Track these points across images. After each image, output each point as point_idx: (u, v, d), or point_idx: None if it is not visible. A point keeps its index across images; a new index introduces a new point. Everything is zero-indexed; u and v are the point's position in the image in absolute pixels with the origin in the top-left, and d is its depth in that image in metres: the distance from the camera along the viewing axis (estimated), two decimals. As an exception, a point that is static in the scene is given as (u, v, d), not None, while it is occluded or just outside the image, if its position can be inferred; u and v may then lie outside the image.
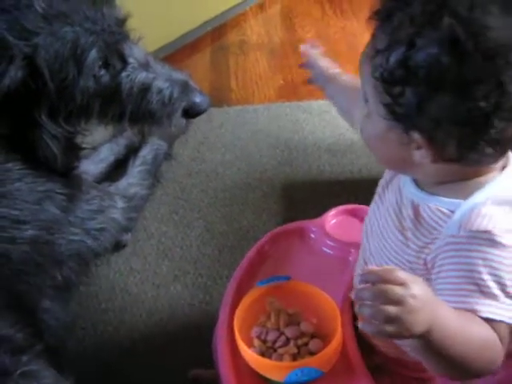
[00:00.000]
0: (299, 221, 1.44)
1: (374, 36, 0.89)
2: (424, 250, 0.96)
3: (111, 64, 1.38)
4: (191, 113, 1.52)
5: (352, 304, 1.04)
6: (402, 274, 0.77)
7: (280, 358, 1.09)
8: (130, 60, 1.42)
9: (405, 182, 1.02)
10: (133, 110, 1.45)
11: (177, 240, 1.89)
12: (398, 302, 0.75)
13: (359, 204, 1.42)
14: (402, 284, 0.76)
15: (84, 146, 1.58)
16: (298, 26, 2.81)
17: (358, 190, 1.88)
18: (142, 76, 1.44)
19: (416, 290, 0.76)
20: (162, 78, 1.46)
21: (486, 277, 0.86)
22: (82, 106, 1.38)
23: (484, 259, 0.86)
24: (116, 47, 1.39)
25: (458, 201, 0.92)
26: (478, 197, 0.91)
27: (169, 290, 1.75)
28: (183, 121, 1.53)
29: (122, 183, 1.87)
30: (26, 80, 1.27)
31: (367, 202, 1.17)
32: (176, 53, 2.67)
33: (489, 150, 0.84)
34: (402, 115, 0.86)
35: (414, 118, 0.85)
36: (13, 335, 1.18)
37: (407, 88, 0.83)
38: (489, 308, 0.86)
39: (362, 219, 1.23)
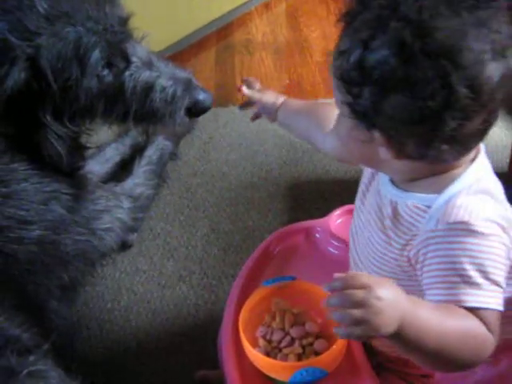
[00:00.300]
0: (304, 221, 1.44)
1: (339, 38, 0.92)
2: (406, 247, 0.98)
3: (114, 63, 1.38)
4: (195, 110, 1.52)
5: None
6: (364, 278, 0.81)
7: (285, 357, 1.09)
8: (134, 59, 1.42)
9: (383, 183, 1.05)
10: (137, 108, 1.45)
11: (182, 240, 1.89)
12: (361, 304, 0.79)
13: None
14: (364, 287, 0.80)
15: (89, 145, 1.58)
16: (303, 26, 2.81)
17: (363, 190, 1.88)
18: (145, 75, 1.43)
19: (380, 291, 0.80)
20: (166, 77, 1.46)
21: (468, 267, 0.88)
22: (86, 105, 1.37)
23: (463, 249, 0.89)
24: (119, 46, 1.38)
25: (433, 196, 0.95)
26: (452, 189, 0.94)
27: (174, 289, 1.76)
28: (187, 119, 1.52)
29: (128, 183, 1.87)
30: (29, 81, 1.27)
31: (372, 201, 1.17)
32: (182, 52, 2.67)
33: (445, 147, 0.87)
34: (362, 114, 0.89)
35: (372, 117, 0.88)
36: (20, 335, 1.18)
37: (364, 88, 0.86)
38: (474, 297, 0.88)
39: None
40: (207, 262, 1.83)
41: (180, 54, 2.65)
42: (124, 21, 1.41)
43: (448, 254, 0.90)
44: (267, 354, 1.10)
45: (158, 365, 1.58)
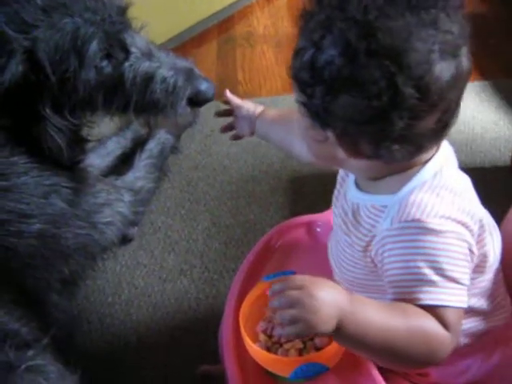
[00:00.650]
0: (306, 214, 1.43)
1: (297, 37, 0.92)
2: (368, 248, 1.00)
3: (113, 54, 1.37)
4: (197, 101, 1.50)
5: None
6: (298, 279, 0.86)
7: (286, 353, 1.08)
8: (133, 49, 1.41)
9: (349, 187, 1.07)
10: (137, 99, 1.44)
11: (183, 233, 1.89)
12: (296, 304, 0.84)
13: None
14: (299, 288, 0.84)
15: (90, 138, 1.57)
16: (305, 18, 2.79)
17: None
18: (145, 65, 1.42)
19: (314, 291, 0.84)
20: (166, 67, 1.45)
21: (421, 264, 0.89)
22: (85, 97, 1.37)
23: (417, 247, 0.89)
24: (117, 37, 1.37)
25: (390, 195, 0.96)
26: (407, 188, 0.94)
27: (175, 283, 1.76)
28: (189, 109, 1.51)
29: (129, 177, 1.87)
30: (27, 74, 1.26)
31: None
32: (183, 45, 2.66)
33: (396, 147, 0.87)
34: (315, 114, 0.90)
35: (324, 116, 0.88)
36: (19, 329, 1.18)
37: (316, 88, 0.87)
38: (428, 295, 0.88)
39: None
40: (208, 256, 1.82)
41: (181, 46, 2.65)
42: (122, 10, 1.40)
43: (402, 252, 0.91)
44: (268, 349, 1.09)
45: (159, 359, 1.58)
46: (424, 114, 0.84)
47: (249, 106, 1.37)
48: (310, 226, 1.38)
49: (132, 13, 1.43)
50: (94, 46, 1.30)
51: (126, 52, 1.40)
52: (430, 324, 0.87)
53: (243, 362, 1.12)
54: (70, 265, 1.49)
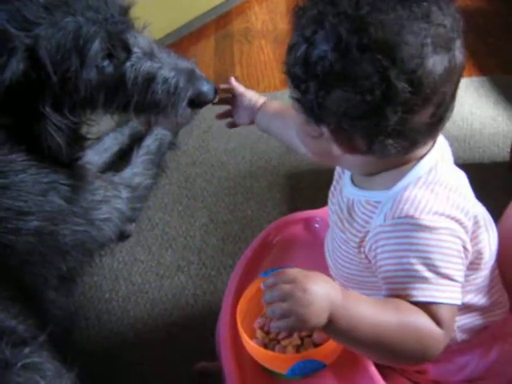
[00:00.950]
0: (304, 210, 1.43)
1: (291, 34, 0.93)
2: (362, 244, 1.00)
3: (115, 54, 1.36)
4: (198, 102, 1.49)
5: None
6: (292, 273, 0.86)
7: (283, 349, 1.08)
8: (135, 49, 1.40)
9: (344, 183, 1.07)
10: (138, 100, 1.43)
11: (181, 230, 1.89)
12: (287, 297, 0.83)
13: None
14: (292, 281, 0.84)
15: (89, 136, 1.57)
16: (303, 14, 2.79)
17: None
18: (146, 65, 1.42)
19: (306, 285, 0.83)
20: (168, 67, 1.44)
21: (414, 261, 0.89)
22: (86, 96, 1.36)
23: (410, 244, 0.89)
24: (120, 37, 1.36)
25: (384, 191, 0.96)
26: (401, 184, 0.94)
27: (173, 280, 1.76)
28: (189, 110, 1.50)
29: (126, 173, 1.87)
30: (28, 72, 1.26)
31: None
32: (180, 41, 2.66)
33: (390, 142, 0.87)
34: (310, 109, 0.90)
35: (318, 112, 0.88)
36: (15, 326, 1.17)
37: (310, 83, 0.87)
38: (421, 292, 0.88)
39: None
40: (206, 252, 1.82)
41: (179, 42, 2.65)
42: (125, 10, 1.39)
43: (395, 248, 0.91)
44: (265, 346, 1.09)
45: (156, 355, 1.58)
46: (418, 108, 0.85)
47: (251, 95, 1.37)
48: (307, 222, 1.38)
49: (132, 10, 1.42)
50: (95, 45, 1.30)
51: (128, 52, 1.39)
52: (423, 320, 0.87)
53: (240, 359, 1.11)
54: (68, 261, 1.49)
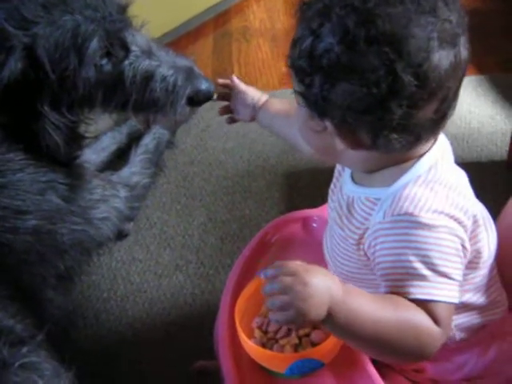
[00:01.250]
0: (302, 209, 1.43)
1: (295, 28, 0.92)
2: (361, 241, 1.00)
3: (113, 52, 1.36)
4: (197, 100, 1.49)
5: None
6: (293, 266, 0.85)
7: (281, 349, 1.08)
8: (133, 48, 1.40)
9: (344, 181, 1.07)
10: (137, 98, 1.43)
11: (179, 229, 1.89)
12: (288, 290, 0.83)
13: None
14: (293, 274, 0.83)
15: (87, 135, 1.56)
16: (301, 12, 2.79)
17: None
18: (145, 64, 1.41)
19: (308, 278, 0.83)
20: (166, 65, 1.44)
21: (412, 258, 0.89)
22: (84, 95, 1.36)
23: (409, 241, 0.89)
24: (118, 35, 1.36)
25: (384, 188, 0.96)
26: (401, 181, 0.94)
27: (171, 279, 1.76)
28: (188, 108, 1.50)
29: (124, 172, 1.87)
30: (27, 71, 1.25)
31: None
32: (179, 39, 2.66)
33: (394, 136, 0.87)
34: (314, 104, 0.89)
35: (322, 106, 0.88)
36: (13, 326, 1.17)
37: (315, 77, 0.87)
38: (419, 289, 0.88)
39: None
40: (204, 252, 1.82)
41: (177, 41, 2.64)
42: (123, 8, 1.39)
43: (394, 246, 0.91)
44: (263, 345, 1.09)
45: (155, 354, 1.58)
46: (423, 103, 0.85)
47: (253, 94, 1.36)
48: (305, 221, 1.38)
49: (130, 9, 1.42)
50: (94, 43, 1.30)
51: (126, 50, 1.39)
52: (421, 317, 0.87)
53: (239, 358, 1.11)
54: (66, 260, 1.49)
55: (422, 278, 0.88)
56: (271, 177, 2.03)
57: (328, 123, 0.91)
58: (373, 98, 0.83)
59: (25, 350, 1.10)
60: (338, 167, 1.14)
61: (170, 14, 2.57)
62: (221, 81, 1.40)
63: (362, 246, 1.00)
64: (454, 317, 0.96)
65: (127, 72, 1.39)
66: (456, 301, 0.91)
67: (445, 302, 0.89)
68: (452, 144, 1.03)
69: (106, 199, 1.65)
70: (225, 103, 1.42)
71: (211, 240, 1.85)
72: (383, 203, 0.94)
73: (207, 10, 2.74)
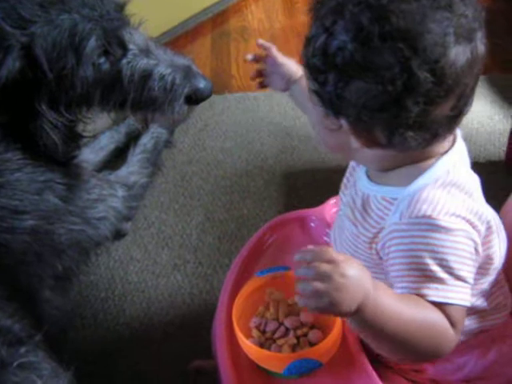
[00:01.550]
0: (300, 209, 1.43)
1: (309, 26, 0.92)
2: (374, 240, 0.99)
3: (111, 51, 1.35)
4: (195, 98, 1.49)
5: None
6: (333, 254, 0.82)
7: (279, 348, 1.08)
8: (131, 46, 1.40)
9: (359, 177, 1.06)
10: (135, 97, 1.43)
11: (177, 228, 1.89)
12: (325, 278, 0.80)
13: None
14: (331, 262, 0.81)
15: (85, 134, 1.56)
16: (299, 11, 2.78)
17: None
18: (142, 62, 1.41)
19: (346, 269, 0.81)
20: (164, 64, 1.44)
21: (429, 261, 0.89)
22: (82, 94, 1.35)
23: (426, 244, 0.89)
24: (115, 34, 1.36)
25: (401, 188, 0.95)
26: (419, 182, 0.94)
27: (169, 279, 1.75)
28: (186, 107, 1.50)
29: (122, 171, 1.86)
30: (24, 70, 1.25)
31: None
32: (177, 39, 2.65)
33: (410, 134, 0.86)
34: (329, 102, 0.89)
35: (337, 104, 0.88)
36: (11, 326, 1.16)
37: (329, 75, 0.86)
38: (435, 292, 0.88)
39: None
40: (202, 251, 1.82)
41: (175, 40, 2.63)
42: (120, 7, 1.39)
43: (411, 248, 0.90)
44: (261, 345, 1.09)
45: (152, 354, 1.58)
46: (439, 100, 0.84)
47: (291, 66, 1.29)
48: (303, 221, 1.38)
49: (128, 7, 1.42)
50: (91, 42, 1.29)
51: (124, 49, 1.39)
52: (440, 319, 0.87)
53: (236, 358, 1.12)
54: (64, 260, 1.49)
55: (439, 280, 0.88)
56: (269, 176, 2.03)
57: (343, 121, 0.90)
58: (388, 96, 0.82)
59: (23, 349, 1.10)
60: (352, 163, 1.14)
61: (168, 14, 2.57)
62: (260, 41, 1.36)
63: (374, 245, 0.99)
64: None
65: (125, 71, 1.39)
66: (469, 304, 0.91)
67: (459, 305, 0.89)
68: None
69: (104, 199, 1.65)
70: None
71: (209, 239, 1.85)
72: (400, 203, 0.94)
73: (205, 9, 2.73)
